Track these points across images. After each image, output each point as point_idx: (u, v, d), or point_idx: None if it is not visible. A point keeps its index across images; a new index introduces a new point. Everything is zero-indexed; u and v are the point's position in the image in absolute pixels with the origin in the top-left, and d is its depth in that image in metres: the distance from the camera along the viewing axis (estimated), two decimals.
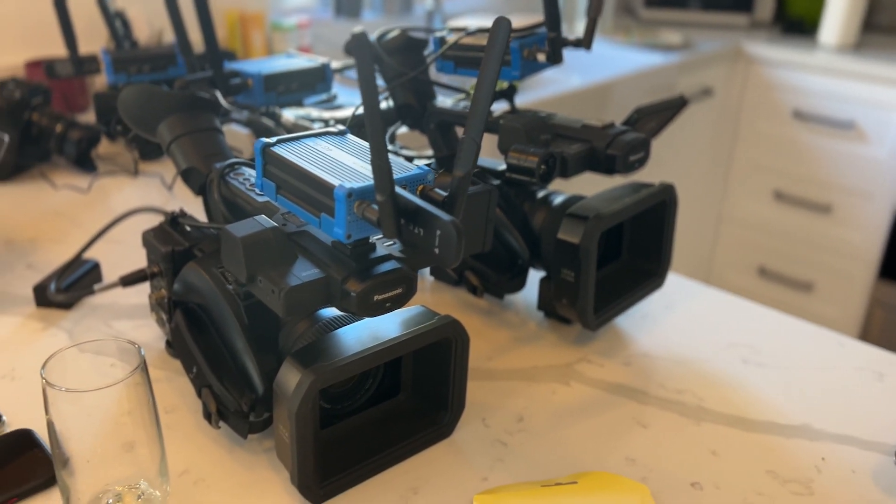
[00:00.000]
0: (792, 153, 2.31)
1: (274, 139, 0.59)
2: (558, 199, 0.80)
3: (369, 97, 0.45)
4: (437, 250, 0.49)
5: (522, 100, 1.73)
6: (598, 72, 1.98)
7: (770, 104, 2.32)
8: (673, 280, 0.93)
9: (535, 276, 0.86)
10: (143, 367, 0.52)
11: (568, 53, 2.33)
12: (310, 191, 0.55)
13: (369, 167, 0.55)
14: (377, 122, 0.46)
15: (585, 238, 0.72)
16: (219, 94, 0.80)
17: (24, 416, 0.67)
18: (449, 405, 0.66)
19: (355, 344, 0.58)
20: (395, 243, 0.58)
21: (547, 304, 0.81)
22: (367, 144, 0.60)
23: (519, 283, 0.82)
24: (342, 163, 0.56)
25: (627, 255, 0.85)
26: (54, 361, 0.51)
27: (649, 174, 2.12)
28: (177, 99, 0.75)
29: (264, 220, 0.56)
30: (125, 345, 0.54)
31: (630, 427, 0.69)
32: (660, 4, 2.61)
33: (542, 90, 1.85)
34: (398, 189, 0.51)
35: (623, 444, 0.67)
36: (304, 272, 0.55)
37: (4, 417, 0.66)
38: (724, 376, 0.76)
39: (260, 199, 0.66)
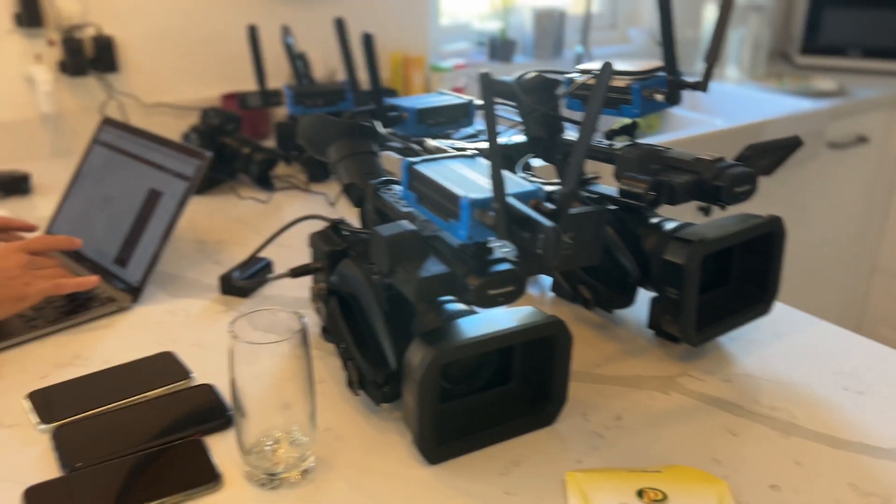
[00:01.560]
0: None
1: (418, 159, 0.72)
2: (669, 225, 0.88)
3: (490, 124, 0.57)
4: (539, 251, 0.59)
5: (664, 139, 1.79)
6: (744, 115, 2.00)
7: None
8: (784, 310, 0.97)
9: (646, 297, 0.94)
10: (305, 332, 0.66)
11: (715, 98, 2.36)
12: (442, 200, 0.67)
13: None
14: (495, 145, 0.58)
15: (689, 259, 0.80)
16: (378, 125, 0.94)
17: (208, 375, 0.83)
18: (552, 396, 0.75)
19: (472, 331, 0.69)
20: (510, 249, 0.69)
21: (655, 321, 0.89)
22: (483, 163, 0.71)
23: (628, 300, 0.90)
24: (469, 179, 0.68)
25: (736, 282, 0.91)
26: (240, 321, 0.66)
27: (794, 220, 2.09)
28: (344, 126, 0.90)
29: (406, 225, 0.69)
30: (292, 314, 0.68)
31: (720, 434, 0.75)
32: (817, 51, 2.58)
33: (686, 131, 1.91)
34: (512, 200, 0.62)
35: (711, 446, 0.73)
36: (433, 267, 0.67)
37: (193, 374, 0.83)
38: (821, 399, 0.80)
39: (404, 209, 0.79)
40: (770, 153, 0.88)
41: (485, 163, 0.73)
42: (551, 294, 1.02)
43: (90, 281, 0.95)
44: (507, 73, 1.05)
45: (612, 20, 2.57)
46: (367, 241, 0.84)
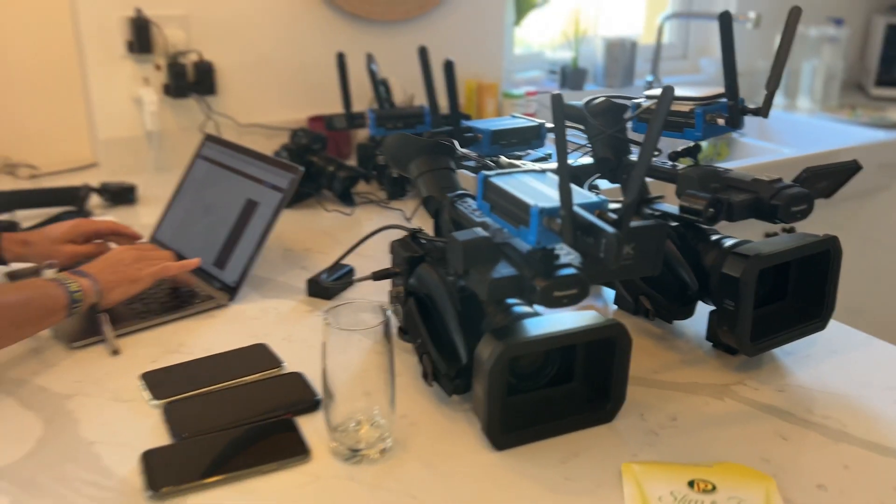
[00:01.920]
0: None
1: (492, 172, 0.80)
2: (728, 242, 0.93)
3: (560, 138, 0.64)
4: (601, 254, 0.66)
5: (733, 165, 1.82)
6: (815, 145, 2.02)
7: None
8: (841, 328, 1.00)
9: (705, 310, 0.98)
10: (388, 323, 0.74)
11: (786, 127, 2.37)
12: (513, 208, 0.74)
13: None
14: (564, 156, 0.65)
15: (745, 273, 0.85)
16: (455, 144, 1.03)
17: (297, 365, 0.92)
18: (611, 395, 0.81)
19: (537, 329, 0.76)
20: (574, 256, 0.76)
21: (713, 333, 0.94)
22: (552, 178, 0.78)
23: (687, 311, 0.95)
24: (539, 190, 0.75)
25: (793, 298, 0.95)
26: (331, 313, 0.75)
27: (864, 248, 2.08)
28: (425, 144, 0.99)
29: (479, 231, 0.77)
30: (376, 309, 0.76)
31: (771, 437, 0.79)
32: (892, 83, 2.56)
33: (755, 158, 1.93)
34: (577, 209, 0.69)
35: (761, 448, 0.78)
36: (504, 270, 0.74)
37: (284, 363, 0.92)
38: (873, 411, 0.84)
39: (478, 219, 0.87)
40: (828, 177, 0.92)
41: (553, 177, 0.80)
42: (614, 307, 1.07)
43: (193, 263, 1.07)
44: (577, 99, 1.12)
45: (683, 50, 2.61)
46: (443, 248, 0.92)
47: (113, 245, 1.19)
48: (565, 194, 0.66)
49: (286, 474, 0.73)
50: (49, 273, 1.07)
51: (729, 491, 0.70)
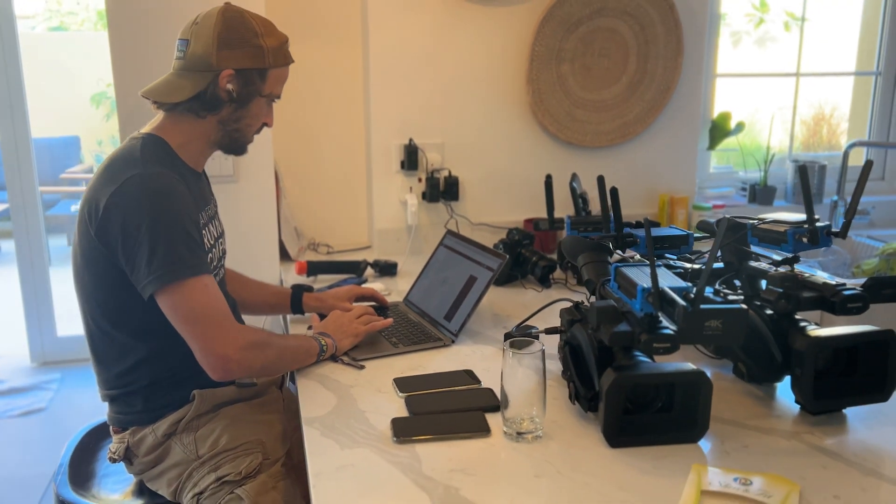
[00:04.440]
0: None
1: (621, 263, 1.23)
2: (809, 327, 1.25)
3: (650, 248, 1.07)
4: (675, 319, 1.06)
5: None
6: None
7: None
8: None
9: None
10: (543, 352, 1.18)
11: None
12: (629, 287, 1.16)
13: (660, 279, 1.14)
14: (652, 257, 1.07)
15: (809, 348, 1.18)
16: (611, 245, 1.46)
17: (489, 384, 1.37)
18: (699, 423, 1.17)
19: (643, 370, 1.15)
20: (671, 323, 1.15)
21: (796, 395, 1.26)
22: (664, 270, 1.19)
23: (774, 377, 1.28)
24: (647, 276, 1.16)
25: (862, 373, 1.24)
26: (508, 342, 1.20)
27: None
28: (588, 244, 1.44)
29: (610, 302, 1.20)
30: (537, 343, 1.20)
31: (814, 466, 1.10)
32: None
33: None
34: (667, 289, 1.09)
35: (803, 471, 1.09)
36: (622, 327, 1.16)
37: (482, 382, 1.38)
38: None
39: (616, 295, 1.29)
40: (891, 286, 1.23)
41: (666, 271, 1.21)
42: (731, 374, 1.41)
43: (387, 322, 1.59)
44: (762, 213, 1.47)
45: (880, 173, 2.79)
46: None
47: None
48: (654, 279, 1.08)
49: (474, 442, 1.19)
50: (308, 332, 1.60)
51: (762, 485, 1.04)
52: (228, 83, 1.35)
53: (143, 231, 1.23)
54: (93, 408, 2.87)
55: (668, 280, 1.15)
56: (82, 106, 6.42)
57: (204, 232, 1.39)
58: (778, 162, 2.70)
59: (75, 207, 4.11)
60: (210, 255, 1.41)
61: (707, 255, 1.50)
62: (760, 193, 2.59)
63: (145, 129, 1.40)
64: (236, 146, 1.44)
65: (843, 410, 1.25)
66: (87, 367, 1.87)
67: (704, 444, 1.18)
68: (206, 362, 1.28)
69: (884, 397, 1.22)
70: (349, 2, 2.28)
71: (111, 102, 6.22)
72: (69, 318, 3.34)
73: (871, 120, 2.81)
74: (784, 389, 1.33)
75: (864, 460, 1.12)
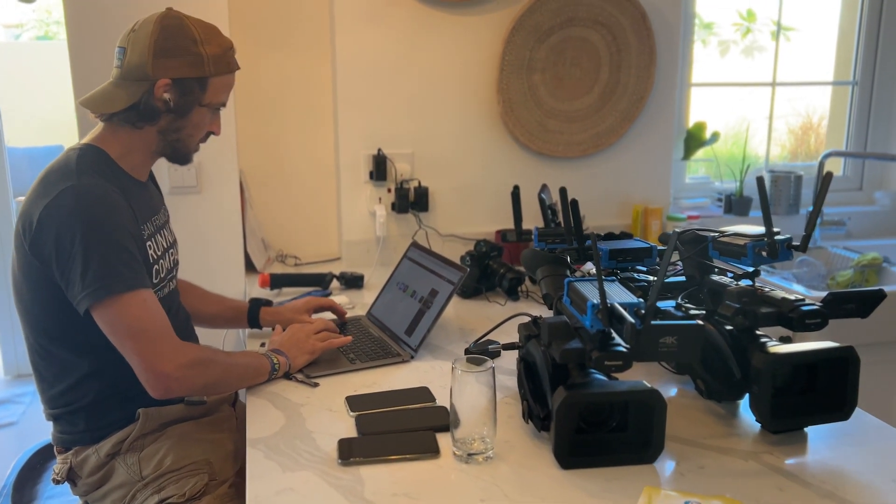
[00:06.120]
0: None
1: (574, 278, 1.19)
2: (769, 343, 1.22)
3: (597, 264, 1.03)
4: (623, 337, 1.02)
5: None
6: None
7: None
8: (866, 418, 1.23)
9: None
10: (493, 371, 1.14)
11: None
12: (580, 302, 1.12)
13: (608, 293, 1.11)
14: (599, 272, 1.03)
15: (766, 365, 1.14)
16: (569, 258, 1.42)
17: (444, 402, 1.33)
18: (653, 444, 1.13)
19: (595, 388, 1.12)
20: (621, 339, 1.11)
21: (755, 414, 1.22)
22: (618, 286, 1.15)
23: (734, 394, 1.24)
24: (596, 291, 1.13)
25: (820, 393, 1.20)
26: (458, 361, 1.16)
27: None
28: (548, 257, 1.40)
29: (563, 318, 1.16)
30: (487, 360, 1.16)
31: (770, 489, 1.07)
32: None
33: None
34: (618, 305, 1.05)
35: (759, 494, 1.05)
36: (573, 344, 1.12)
37: (437, 400, 1.34)
38: (867, 483, 1.07)
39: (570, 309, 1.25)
40: (852, 301, 1.19)
41: (616, 284, 1.17)
42: (693, 391, 1.38)
43: (346, 339, 1.55)
44: (736, 224, 1.43)
45: (858, 183, 2.77)
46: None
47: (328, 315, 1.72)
48: (602, 295, 1.04)
49: (422, 464, 1.15)
50: (260, 349, 1.55)
51: None
52: (165, 93, 1.31)
53: (76, 244, 1.19)
54: None
55: (620, 296, 1.11)
56: (67, 116, 6.38)
57: (150, 243, 1.35)
58: (755, 172, 2.67)
59: None
60: (157, 265, 1.37)
61: (670, 269, 1.46)
62: (736, 204, 2.56)
63: (85, 139, 1.37)
64: (178, 156, 1.40)
65: (805, 429, 1.22)
66: None
67: (660, 464, 1.14)
68: (145, 379, 1.24)
69: (844, 416, 1.19)
70: (317, 11, 2.24)
71: None
72: None
73: (848, 129, 2.79)
74: (746, 407, 1.29)
75: (822, 482, 1.08)
